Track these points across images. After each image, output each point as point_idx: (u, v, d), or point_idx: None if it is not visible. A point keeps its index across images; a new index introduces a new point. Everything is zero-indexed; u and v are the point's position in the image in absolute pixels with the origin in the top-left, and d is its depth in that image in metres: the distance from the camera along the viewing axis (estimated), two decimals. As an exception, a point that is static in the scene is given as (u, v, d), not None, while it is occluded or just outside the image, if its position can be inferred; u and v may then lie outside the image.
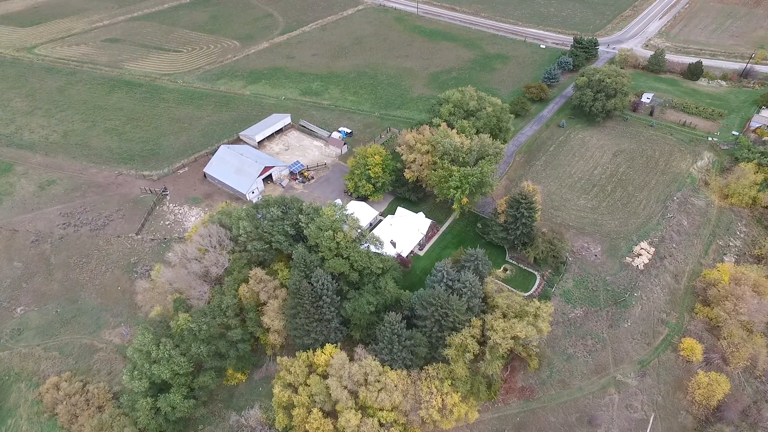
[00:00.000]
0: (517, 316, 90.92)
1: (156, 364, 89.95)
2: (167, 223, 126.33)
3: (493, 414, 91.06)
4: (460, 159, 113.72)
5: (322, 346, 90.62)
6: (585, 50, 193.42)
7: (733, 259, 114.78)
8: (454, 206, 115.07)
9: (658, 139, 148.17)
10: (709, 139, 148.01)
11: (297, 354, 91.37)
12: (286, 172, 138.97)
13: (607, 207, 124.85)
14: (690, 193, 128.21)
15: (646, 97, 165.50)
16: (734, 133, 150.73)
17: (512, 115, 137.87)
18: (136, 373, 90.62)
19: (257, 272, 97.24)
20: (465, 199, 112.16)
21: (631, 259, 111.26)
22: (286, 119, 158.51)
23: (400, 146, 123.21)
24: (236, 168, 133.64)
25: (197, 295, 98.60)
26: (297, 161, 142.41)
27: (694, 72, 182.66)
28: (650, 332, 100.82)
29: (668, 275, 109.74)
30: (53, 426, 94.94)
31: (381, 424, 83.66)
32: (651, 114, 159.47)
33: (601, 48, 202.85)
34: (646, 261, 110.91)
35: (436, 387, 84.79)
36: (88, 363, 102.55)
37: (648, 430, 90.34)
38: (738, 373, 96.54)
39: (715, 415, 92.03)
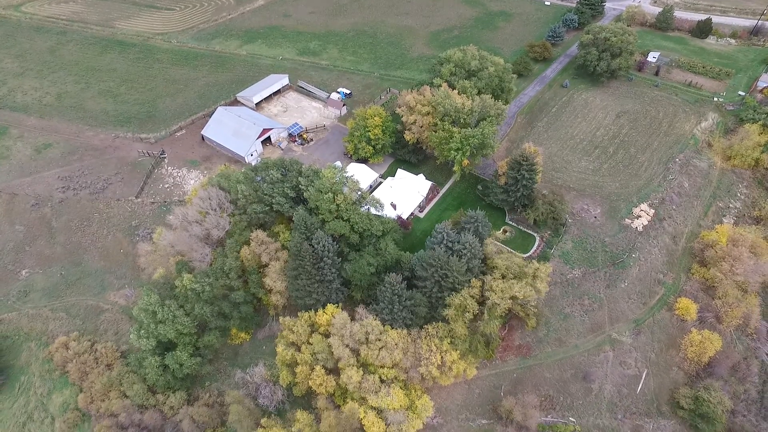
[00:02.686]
0: (516, 277, 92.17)
1: (162, 324, 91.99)
2: (166, 186, 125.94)
3: (491, 371, 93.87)
4: (461, 120, 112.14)
5: (324, 306, 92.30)
6: (591, 7, 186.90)
7: (732, 221, 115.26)
8: (455, 168, 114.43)
9: (663, 100, 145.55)
10: (715, 99, 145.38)
11: (299, 314, 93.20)
12: (284, 134, 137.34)
13: (609, 169, 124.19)
14: (692, 155, 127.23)
15: (652, 57, 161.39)
16: (740, 93, 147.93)
17: (515, 75, 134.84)
18: (142, 332, 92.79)
19: (258, 234, 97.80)
20: (466, 161, 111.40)
21: (630, 221, 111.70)
22: (284, 80, 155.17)
23: (400, 107, 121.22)
24: (234, 130, 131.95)
25: (199, 258, 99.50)
26: (295, 123, 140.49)
27: (703, 29, 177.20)
28: (646, 292, 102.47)
29: (667, 237, 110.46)
30: (65, 383, 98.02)
31: (382, 381, 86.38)
32: (656, 74, 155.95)
33: (607, 4, 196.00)
34: (645, 222, 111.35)
35: (435, 345, 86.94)
36: (95, 323, 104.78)
37: (640, 385, 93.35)
38: (730, 331, 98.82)
39: (706, 370, 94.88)
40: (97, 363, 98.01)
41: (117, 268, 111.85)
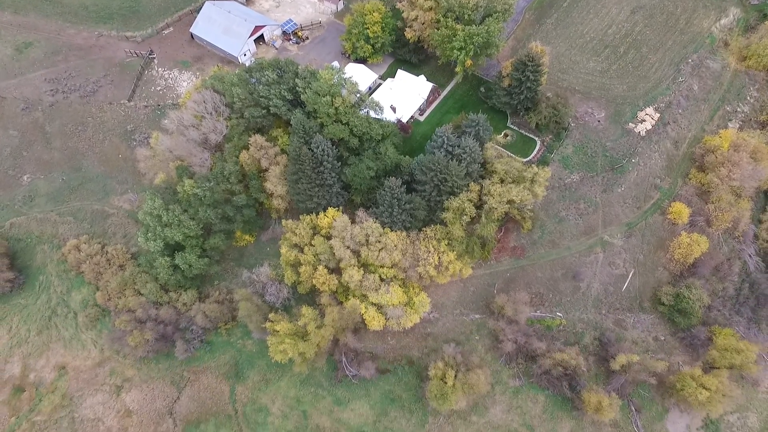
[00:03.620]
0: (515, 182, 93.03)
1: (168, 227, 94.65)
2: (159, 88, 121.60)
3: (486, 270, 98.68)
4: (466, 17, 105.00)
5: (325, 209, 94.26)
6: None
7: (738, 126, 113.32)
8: (457, 69, 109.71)
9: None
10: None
11: (301, 217, 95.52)
12: (278, 32, 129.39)
13: (617, 70, 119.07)
14: (706, 55, 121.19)
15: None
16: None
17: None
18: (149, 235, 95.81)
19: (257, 139, 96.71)
20: (469, 62, 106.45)
21: (633, 125, 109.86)
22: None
23: (400, 2, 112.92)
24: (224, 28, 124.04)
25: (199, 163, 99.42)
26: (289, 20, 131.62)
27: None
28: (642, 197, 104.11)
29: (669, 141, 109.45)
30: (81, 282, 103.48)
31: (382, 279, 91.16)
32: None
33: None
34: (649, 127, 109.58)
35: (433, 246, 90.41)
36: (103, 227, 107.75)
37: (626, 283, 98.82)
38: (718, 234, 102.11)
39: (690, 270, 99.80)
40: (109, 264, 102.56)
41: (117, 173, 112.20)
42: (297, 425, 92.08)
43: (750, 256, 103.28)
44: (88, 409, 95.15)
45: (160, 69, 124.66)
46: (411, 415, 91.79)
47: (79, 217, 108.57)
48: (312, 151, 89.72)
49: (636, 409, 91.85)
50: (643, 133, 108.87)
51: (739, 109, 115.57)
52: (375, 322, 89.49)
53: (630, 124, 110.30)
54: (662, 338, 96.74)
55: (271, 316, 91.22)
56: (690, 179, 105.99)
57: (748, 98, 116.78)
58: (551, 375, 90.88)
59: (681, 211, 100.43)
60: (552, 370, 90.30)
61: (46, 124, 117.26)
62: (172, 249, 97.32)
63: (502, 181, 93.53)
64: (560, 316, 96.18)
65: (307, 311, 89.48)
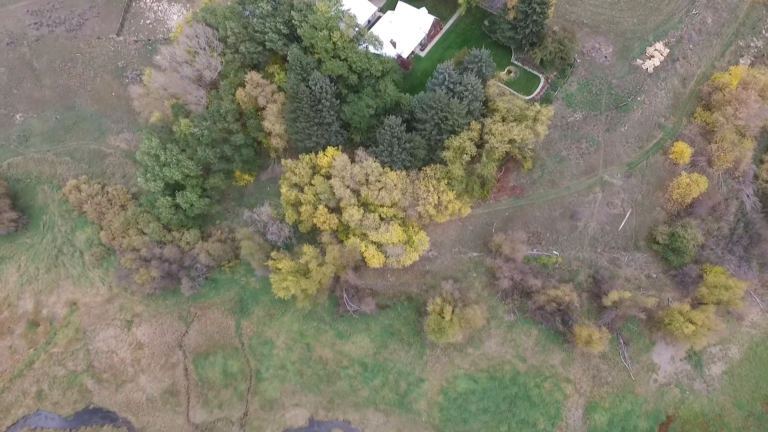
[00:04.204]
0: (516, 120, 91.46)
1: (166, 167, 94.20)
2: (148, 22, 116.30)
3: (484, 210, 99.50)
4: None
5: (324, 149, 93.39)
6: None
7: (749, 62, 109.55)
8: (460, 1, 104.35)
9: None
10: None
11: (300, 157, 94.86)
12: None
13: (628, 1, 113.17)
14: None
15: None
16: None
17: None
18: (149, 175, 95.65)
19: (253, 76, 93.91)
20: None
21: (641, 62, 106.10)
22: None
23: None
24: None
25: (194, 101, 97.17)
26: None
27: None
28: (645, 136, 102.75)
29: (676, 79, 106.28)
30: (85, 222, 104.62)
31: (381, 219, 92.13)
32: None
33: None
34: (657, 63, 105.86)
35: (433, 186, 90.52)
36: (101, 167, 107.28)
37: (623, 223, 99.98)
38: (719, 174, 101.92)
39: (687, 210, 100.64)
40: (111, 204, 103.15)
41: (112, 112, 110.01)
42: (301, 357, 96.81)
43: (748, 196, 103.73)
44: (101, 342, 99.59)
45: (148, 0, 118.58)
46: (410, 348, 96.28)
47: (76, 157, 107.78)
48: (310, 88, 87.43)
49: (624, 342, 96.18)
50: (650, 70, 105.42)
51: (752, 44, 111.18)
52: (375, 260, 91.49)
53: (638, 60, 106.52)
54: (654, 276, 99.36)
55: (273, 254, 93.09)
56: (695, 118, 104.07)
57: (764, 32, 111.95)
58: (545, 310, 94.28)
59: (683, 150, 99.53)
60: (546, 306, 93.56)
61: (33, 60, 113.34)
62: (173, 189, 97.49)
63: (503, 119, 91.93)
64: (556, 255, 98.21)
65: (308, 249, 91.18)
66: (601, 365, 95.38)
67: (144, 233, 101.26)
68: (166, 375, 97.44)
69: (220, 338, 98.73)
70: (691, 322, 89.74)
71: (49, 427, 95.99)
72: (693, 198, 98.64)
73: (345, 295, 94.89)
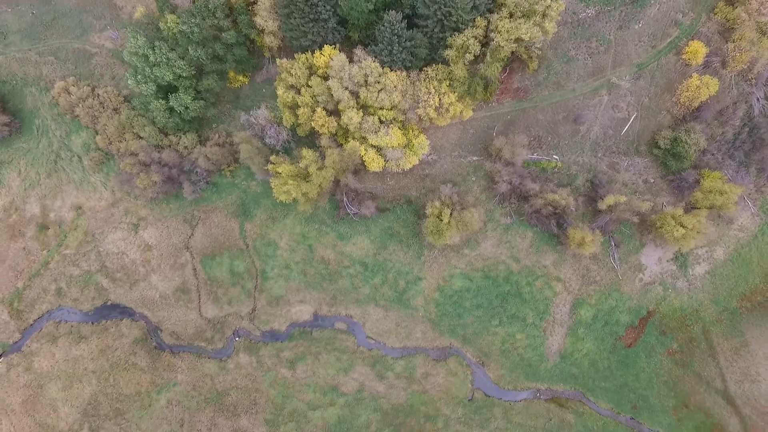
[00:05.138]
0: (525, 16, 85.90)
1: (156, 67, 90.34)
2: None
3: (486, 113, 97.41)
4: None
5: (321, 47, 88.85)
6: None
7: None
8: None
9: None
10: None
11: (296, 56, 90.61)
12: None
13: None
14: None
15: None
16: None
17: None
18: (139, 77, 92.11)
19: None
20: None
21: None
22: None
23: None
24: None
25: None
26: None
27: None
28: (659, 34, 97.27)
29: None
30: (79, 126, 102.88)
31: (381, 122, 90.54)
32: None
33: None
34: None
35: (434, 87, 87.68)
36: (88, 68, 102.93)
37: (626, 127, 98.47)
38: (731, 76, 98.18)
39: (693, 114, 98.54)
40: (103, 107, 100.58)
41: (92, 6, 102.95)
42: (304, 257, 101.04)
43: (758, 99, 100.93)
44: (111, 244, 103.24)
45: None
46: (408, 249, 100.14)
47: (60, 57, 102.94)
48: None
49: (615, 244, 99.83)
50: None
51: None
52: (374, 163, 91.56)
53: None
54: (652, 181, 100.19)
55: (272, 158, 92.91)
56: (715, 14, 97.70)
57: None
58: (541, 214, 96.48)
59: (697, 50, 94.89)
60: (542, 210, 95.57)
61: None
62: (165, 91, 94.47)
63: (511, 15, 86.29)
64: (556, 159, 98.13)
65: (307, 153, 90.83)
66: (591, 266, 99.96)
67: (140, 137, 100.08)
68: (176, 274, 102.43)
69: (225, 240, 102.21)
70: (682, 225, 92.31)
71: (72, 320, 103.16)
72: (701, 101, 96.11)
73: (345, 199, 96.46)
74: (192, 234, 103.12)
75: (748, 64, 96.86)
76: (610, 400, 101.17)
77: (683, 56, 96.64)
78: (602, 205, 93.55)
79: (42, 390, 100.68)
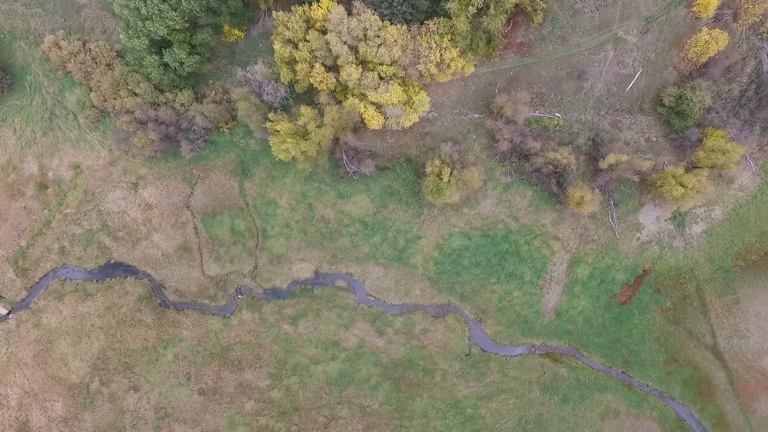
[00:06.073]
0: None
1: (148, 20, 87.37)
2: None
3: (488, 68, 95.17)
4: None
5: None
6: None
7: None
8: None
9: None
10: None
11: (292, 8, 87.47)
12: None
13: None
14: None
15: None
16: None
17: None
18: (131, 31, 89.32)
19: None
20: None
21: None
22: None
23: None
24: None
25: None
26: None
27: None
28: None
29: None
30: (72, 82, 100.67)
31: (381, 78, 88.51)
32: None
33: None
34: None
35: (435, 42, 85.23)
36: (78, 21, 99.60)
37: (631, 84, 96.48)
38: (742, 30, 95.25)
39: (699, 71, 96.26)
40: (96, 63, 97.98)
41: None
42: (304, 216, 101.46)
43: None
44: (111, 204, 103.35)
45: None
46: (408, 207, 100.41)
47: (48, 9, 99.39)
48: None
49: (614, 204, 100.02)
50: None
51: None
52: (374, 121, 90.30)
53: None
54: (654, 139, 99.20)
55: (270, 115, 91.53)
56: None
57: None
58: (541, 173, 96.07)
59: (709, 2, 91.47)
60: (543, 168, 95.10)
61: None
62: (159, 46, 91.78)
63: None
64: (558, 117, 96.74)
65: (306, 110, 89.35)
66: (589, 225, 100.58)
67: (136, 94, 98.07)
68: (177, 233, 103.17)
69: (225, 199, 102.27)
70: (681, 185, 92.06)
71: (77, 278, 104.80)
72: (709, 57, 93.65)
73: (345, 157, 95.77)
74: (192, 192, 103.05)
75: (761, 16, 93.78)
76: (602, 355, 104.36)
77: (694, 8, 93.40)
78: (603, 164, 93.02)
79: (52, 345, 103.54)
